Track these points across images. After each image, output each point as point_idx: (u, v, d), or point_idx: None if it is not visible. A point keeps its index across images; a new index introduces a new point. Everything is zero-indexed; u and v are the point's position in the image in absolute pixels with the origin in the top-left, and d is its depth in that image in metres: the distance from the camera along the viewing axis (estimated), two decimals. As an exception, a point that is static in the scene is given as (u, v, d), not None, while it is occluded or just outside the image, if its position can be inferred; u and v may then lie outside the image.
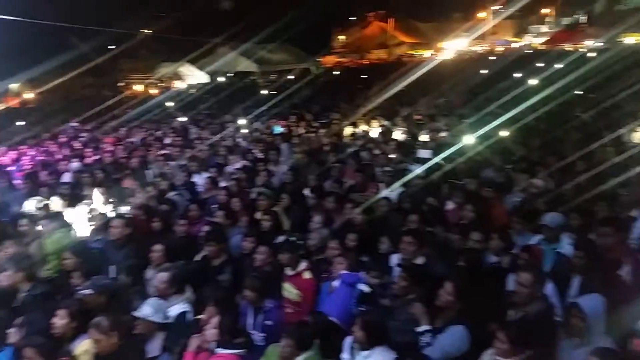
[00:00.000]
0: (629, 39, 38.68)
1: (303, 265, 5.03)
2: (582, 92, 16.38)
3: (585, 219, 5.67)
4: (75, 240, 6.35)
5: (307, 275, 4.97)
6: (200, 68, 33.44)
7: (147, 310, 4.37)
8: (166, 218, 6.74)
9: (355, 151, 10.23)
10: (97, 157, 11.15)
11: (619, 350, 3.60)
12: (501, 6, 45.05)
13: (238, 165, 9.64)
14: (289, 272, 5.06)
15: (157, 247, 5.50)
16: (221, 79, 31.68)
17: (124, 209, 7.10)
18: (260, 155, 10.41)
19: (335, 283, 4.63)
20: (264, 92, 23.12)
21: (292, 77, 31.26)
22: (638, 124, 10.20)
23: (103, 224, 6.44)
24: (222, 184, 8.44)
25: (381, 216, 6.59)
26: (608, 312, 3.91)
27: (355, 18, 51.58)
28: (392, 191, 7.49)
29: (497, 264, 5.08)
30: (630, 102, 13.27)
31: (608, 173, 7.20)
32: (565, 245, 5.19)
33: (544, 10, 51.58)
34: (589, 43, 38.08)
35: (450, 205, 6.75)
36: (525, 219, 5.74)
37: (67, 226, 6.64)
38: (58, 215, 6.82)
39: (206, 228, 6.24)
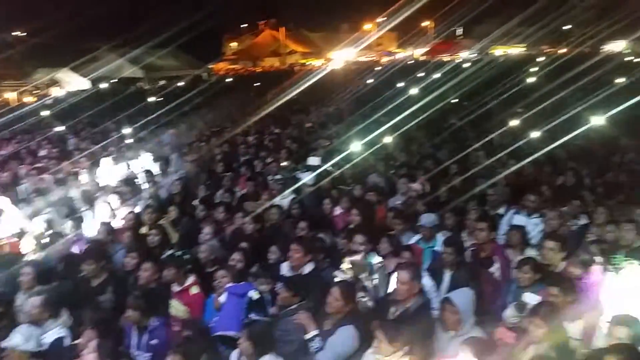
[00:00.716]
0: (498, 51, 42.86)
1: (190, 280, 4.91)
2: (457, 100, 17.72)
3: (458, 218, 6.15)
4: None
5: (194, 290, 4.86)
6: (83, 74, 31.29)
7: (17, 339, 4.02)
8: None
9: (247, 159, 10.19)
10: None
11: (488, 339, 3.94)
12: (385, 18, 47.50)
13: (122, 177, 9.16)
14: (175, 288, 4.92)
15: (27, 270, 5.08)
16: (104, 85, 29.85)
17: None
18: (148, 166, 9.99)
19: (222, 297, 4.57)
20: (152, 99, 22.19)
21: (183, 84, 30.34)
22: (506, 129, 11.26)
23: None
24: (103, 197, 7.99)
25: (272, 224, 6.63)
26: (477, 304, 4.28)
27: (247, 25, 51.53)
28: (283, 199, 7.59)
29: (380, 264, 5.32)
30: (499, 109, 14.60)
31: (479, 175, 7.87)
32: (441, 243, 5.59)
33: (424, 23, 55.28)
34: (464, 54, 41.54)
35: (338, 211, 6.96)
36: (405, 221, 6.11)
37: None
38: None
39: (84, 246, 5.88)
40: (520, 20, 40.55)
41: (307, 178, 8.33)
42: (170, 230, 6.63)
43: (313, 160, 9.12)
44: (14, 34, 37.55)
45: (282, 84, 22.88)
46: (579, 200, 6.25)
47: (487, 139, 10.42)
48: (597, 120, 9.84)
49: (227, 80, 33.87)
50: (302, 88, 20.90)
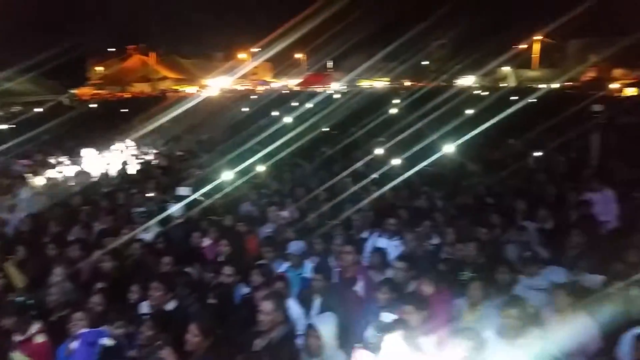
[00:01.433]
0: (365, 83, 45.75)
1: (35, 327, 4.42)
2: (328, 129, 18.43)
3: (326, 244, 6.32)
4: None
5: (39, 339, 4.37)
6: None
7: None
8: None
9: (109, 192, 9.55)
10: None
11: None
12: (260, 49, 48.34)
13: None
14: (17, 337, 4.39)
15: None
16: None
17: None
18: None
19: (74, 344, 4.18)
20: (3, 126, 20.07)
21: (40, 109, 27.85)
22: (371, 157, 11.92)
23: None
24: None
25: (134, 261, 6.26)
26: (342, 326, 4.41)
27: (114, 49, 48.98)
28: (147, 232, 7.22)
29: (249, 295, 5.26)
30: (365, 138, 15.45)
31: (346, 201, 8.20)
32: (309, 270, 5.70)
33: (297, 55, 57.33)
34: (335, 86, 43.66)
35: (206, 242, 6.79)
36: (275, 249, 6.14)
37: None
38: None
39: None
40: (385, 55, 43.91)
41: (174, 209, 8.04)
42: (15, 272, 5.95)
43: (183, 191, 8.83)
44: None
45: (152, 110, 22.08)
46: (432, 221, 6.78)
47: (353, 166, 10.94)
48: (448, 148, 10.90)
49: (90, 106, 31.77)
50: (174, 114, 20.43)
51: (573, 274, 5.18)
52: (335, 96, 32.20)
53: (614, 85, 31.97)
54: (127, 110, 26.87)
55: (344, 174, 10.14)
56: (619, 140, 11.99)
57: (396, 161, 10.32)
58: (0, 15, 34.29)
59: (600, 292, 4.75)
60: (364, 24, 45.20)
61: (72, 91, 36.94)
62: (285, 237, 6.64)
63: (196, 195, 8.62)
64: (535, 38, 47.99)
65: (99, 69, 47.40)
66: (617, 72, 34.54)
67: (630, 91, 30.05)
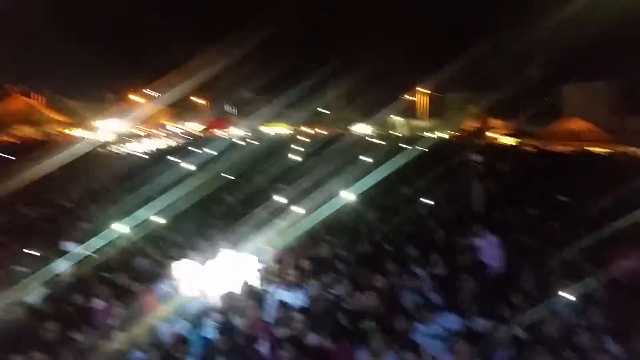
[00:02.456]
0: (267, 129, 46.29)
1: None
2: (231, 177, 18.11)
3: (230, 301, 6.13)
4: None
5: None
6: None
7: None
8: None
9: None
10: None
11: None
12: (156, 92, 47.23)
13: None
14: None
15: None
16: None
17: None
18: None
19: None
20: None
21: None
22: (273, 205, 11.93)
23: None
24: None
25: (13, 327, 5.64)
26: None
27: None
28: (30, 294, 6.58)
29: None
30: (268, 184, 15.46)
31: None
32: (209, 330, 5.50)
33: (196, 99, 56.82)
34: (237, 131, 43.66)
35: (100, 305, 6.30)
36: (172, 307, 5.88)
37: None
38: None
39: None
40: (284, 101, 44.95)
41: (60, 266, 7.43)
42: None
43: (69, 246, 8.20)
44: None
45: (37, 154, 20.40)
46: (334, 270, 6.90)
47: (255, 215, 10.87)
48: (347, 195, 11.28)
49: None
50: (61, 160, 19.03)
51: (466, 319, 5.51)
52: (236, 141, 32.15)
53: (492, 135, 35.32)
54: (12, 156, 24.61)
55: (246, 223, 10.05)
56: (497, 186, 13.17)
57: (297, 209, 10.45)
58: None
59: (491, 336, 5.08)
60: (265, 69, 46.22)
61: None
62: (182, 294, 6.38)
63: (85, 251, 8.06)
64: (419, 89, 52.21)
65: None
66: (495, 122, 38.21)
67: (506, 140, 33.33)
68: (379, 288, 6.20)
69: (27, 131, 41.29)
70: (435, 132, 40.05)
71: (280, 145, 29.32)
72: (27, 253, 8.06)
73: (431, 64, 42.25)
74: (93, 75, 44.84)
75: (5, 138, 38.85)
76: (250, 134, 40.73)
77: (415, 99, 52.84)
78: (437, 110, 51.30)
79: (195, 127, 48.75)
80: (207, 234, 9.54)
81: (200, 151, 25.89)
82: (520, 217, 10.08)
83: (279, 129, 47.28)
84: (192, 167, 19.48)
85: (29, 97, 43.91)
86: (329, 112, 54.30)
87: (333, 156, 19.35)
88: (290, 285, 6.50)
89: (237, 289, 6.41)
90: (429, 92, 52.51)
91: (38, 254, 8.15)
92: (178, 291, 6.55)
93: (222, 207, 12.48)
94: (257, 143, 31.38)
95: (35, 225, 10.52)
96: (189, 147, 26.82)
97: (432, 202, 11.54)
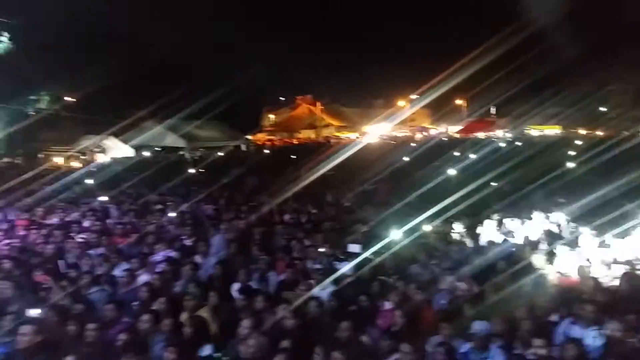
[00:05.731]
0: (534, 131, 42.92)
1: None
2: (498, 184, 17.16)
3: (511, 327, 5.78)
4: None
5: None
6: (125, 141, 32.59)
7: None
8: (82, 321, 6.19)
9: (285, 243, 10.02)
10: (8, 241, 10.20)
11: None
12: (418, 95, 48.60)
13: (162, 255, 9.14)
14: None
15: (69, 360, 5.02)
16: (147, 153, 30.93)
17: (34, 311, 6.42)
18: (189, 243, 10.01)
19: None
20: (192, 170, 22.67)
21: (222, 154, 31.15)
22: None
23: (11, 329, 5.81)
24: (143, 277, 7.99)
25: (313, 320, 6.42)
26: None
27: (284, 99, 53.53)
28: (323, 289, 7.41)
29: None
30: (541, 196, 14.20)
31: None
32: (496, 355, 5.26)
33: (457, 101, 56.29)
34: (499, 133, 41.72)
35: (386, 306, 6.68)
36: (453, 325, 5.81)
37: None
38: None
39: (124, 335, 5.76)
40: (555, 101, 40.84)
41: (345, 267, 8.16)
42: (209, 319, 6.50)
43: (354, 248, 8.97)
44: (66, 98, 39.96)
45: (318, 156, 23.15)
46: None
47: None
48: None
49: (264, 151, 34.67)
50: (337, 162, 21.14)
51: None
52: (500, 144, 30.70)
53: None
54: (295, 156, 28.62)
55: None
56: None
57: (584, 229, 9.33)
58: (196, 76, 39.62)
59: None
60: (529, 68, 42.85)
61: (248, 137, 40.82)
62: (462, 311, 6.29)
63: (367, 254, 8.68)
64: None
65: (271, 116, 52.17)
66: None
67: None
68: None
69: (308, 134, 47.59)
70: None
71: (551, 149, 26.79)
72: (320, 251, 9.09)
73: None
74: (364, 84, 48.75)
75: (291, 140, 45.64)
76: (514, 136, 38.40)
77: None
78: None
79: (455, 129, 48.46)
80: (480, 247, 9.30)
81: (460, 154, 25.58)
82: None
83: (548, 131, 43.30)
84: (454, 172, 19.27)
85: (313, 105, 50.50)
86: (609, 112, 47.26)
87: (619, 165, 16.60)
88: (584, 320, 5.75)
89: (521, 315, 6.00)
90: None
91: (327, 252, 9.19)
92: (456, 307, 6.48)
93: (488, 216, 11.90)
94: (522, 146, 29.41)
95: (321, 224, 11.82)
96: (449, 151, 26.69)
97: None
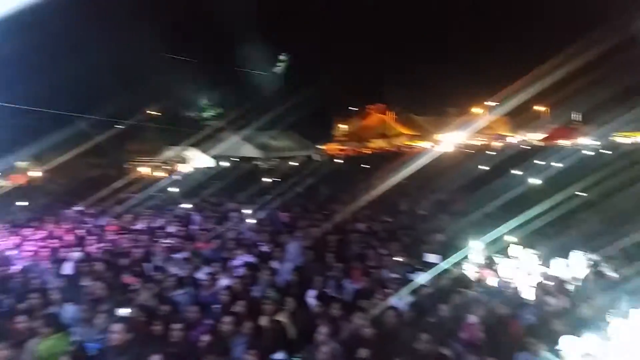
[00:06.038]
0: (623, 139, 40.00)
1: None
2: (584, 194, 16.11)
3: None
4: (72, 344, 6.05)
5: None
6: (204, 151, 34.01)
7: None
8: (167, 321, 6.48)
9: (361, 252, 9.95)
10: (100, 245, 10.94)
11: None
12: (496, 102, 46.95)
13: (241, 260, 9.41)
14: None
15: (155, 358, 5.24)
16: (225, 163, 32.09)
17: (124, 311, 6.81)
18: (266, 249, 10.23)
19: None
20: (267, 179, 23.27)
21: (295, 164, 31.71)
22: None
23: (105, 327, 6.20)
24: (224, 281, 8.23)
25: (391, 330, 6.32)
26: None
27: (356, 109, 53.65)
28: (400, 299, 7.28)
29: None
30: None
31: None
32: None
33: (537, 107, 53.71)
34: (584, 141, 39.26)
35: (471, 319, 6.45)
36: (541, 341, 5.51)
37: (64, 329, 6.37)
38: (52, 316, 6.56)
39: (206, 336, 5.95)
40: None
41: (422, 278, 7.97)
42: (288, 324, 6.57)
43: (432, 258, 8.76)
44: (149, 112, 42.45)
45: (390, 165, 22.93)
46: None
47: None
48: None
49: (336, 161, 34.89)
50: (410, 171, 20.80)
51: None
52: (585, 152, 28.90)
53: None
54: (367, 165, 28.56)
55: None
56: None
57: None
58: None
59: None
60: (618, 73, 40.05)
61: (320, 147, 41.28)
62: (552, 328, 5.92)
63: (445, 264, 8.45)
64: None
65: (343, 126, 52.46)
66: None
67: None
68: None
69: (380, 143, 47.35)
70: None
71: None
72: (396, 260, 8.97)
73: None
74: (437, 92, 47.88)
75: (363, 150, 45.60)
76: (601, 144, 35.96)
77: None
78: None
79: (536, 137, 46.21)
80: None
81: (544, 163, 24.34)
82: None
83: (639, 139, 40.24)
84: (537, 181, 18.42)
85: (384, 114, 50.23)
86: None
87: None
88: None
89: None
90: None
91: (404, 262, 9.03)
92: (544, 323, 6.12)
93: (581, 229, 11.17)
94: (611, 154, 27.48)
95: (396, 233, 11.65)
96: (531, 159, 25.47)
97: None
